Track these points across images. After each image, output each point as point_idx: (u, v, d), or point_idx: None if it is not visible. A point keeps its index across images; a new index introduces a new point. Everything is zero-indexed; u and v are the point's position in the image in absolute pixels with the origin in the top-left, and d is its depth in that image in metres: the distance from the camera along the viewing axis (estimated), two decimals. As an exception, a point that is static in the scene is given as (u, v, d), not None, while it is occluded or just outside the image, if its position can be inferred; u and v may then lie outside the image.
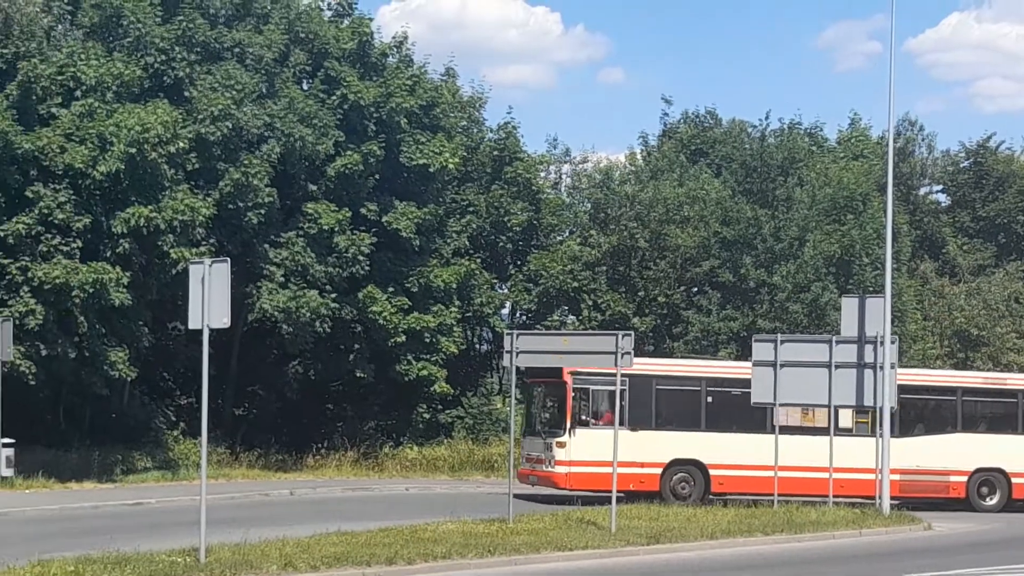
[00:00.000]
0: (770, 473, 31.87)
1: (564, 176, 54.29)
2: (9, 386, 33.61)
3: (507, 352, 27.44)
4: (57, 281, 34.02)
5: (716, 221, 48.38)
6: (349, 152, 42.29)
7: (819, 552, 25.73)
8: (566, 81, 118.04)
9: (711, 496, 34.60)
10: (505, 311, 50.04)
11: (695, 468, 34.80)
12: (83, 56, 37.14)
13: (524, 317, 50.16)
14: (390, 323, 42.38)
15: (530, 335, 29.93)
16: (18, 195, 34.59)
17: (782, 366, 31.45)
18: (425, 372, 43.64)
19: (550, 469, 34.27)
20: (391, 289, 43.20)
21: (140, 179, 35.98)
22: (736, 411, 35.34)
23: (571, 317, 49.44)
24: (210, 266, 20.57)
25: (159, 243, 36.06)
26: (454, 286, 44.88)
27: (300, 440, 44.14)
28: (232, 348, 42.28)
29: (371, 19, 45.59)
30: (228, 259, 21.12)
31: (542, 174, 51.82)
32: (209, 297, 20.42)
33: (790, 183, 49.90)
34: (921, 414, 37.29)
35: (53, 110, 36.04)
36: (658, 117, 57.95)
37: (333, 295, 41.47)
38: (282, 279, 40.60)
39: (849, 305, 32.59)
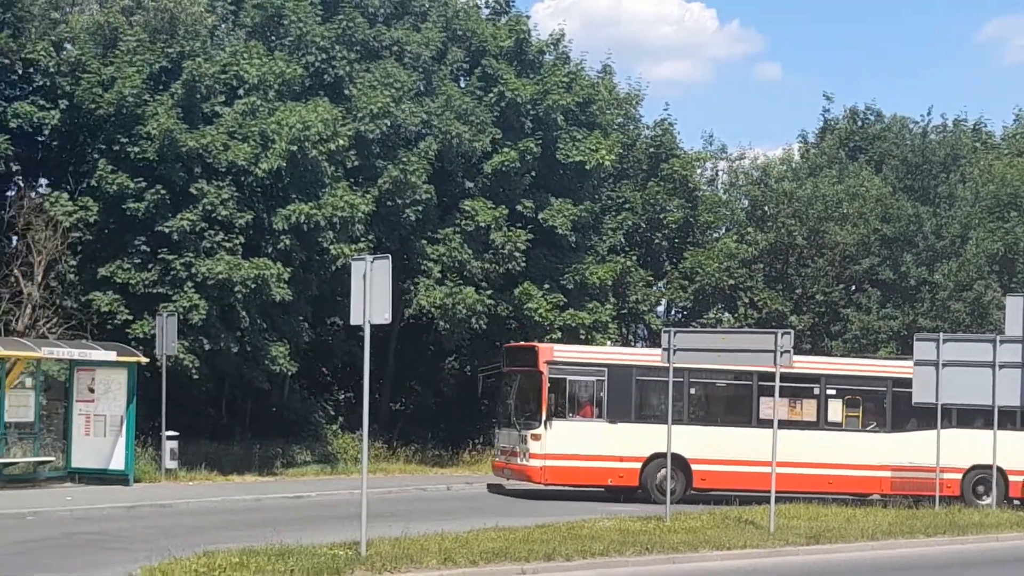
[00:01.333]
0: (755, 469, 31.42)
1: (720, 173, 53.93)
2: (173, 380, 34.29)
3: (664, 350, 27.34)
4: (220, 277, 34.59)
5: (876, 218, 47.76)
6: (506, 149, 42.44)
7: (983, 554, 25.27)
8: (722, 77, 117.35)
9: (692, 491, 33.57)
10: (661, 308, 49.90)
11: (677, 462, 32.69)
12: (246, 55, 37.73)
13: (680, 314, 49.95)
14: (546, 320, 42.41)
15: (688, 332, 29.76)
16: (183, 192, 35.19)
17: (944, 365, 31.00)
18: (580, 369, 43.56)
19: (524, 462, 33.24)
20: (547, 286, 43.24)
21: (301, 176, 36.48)
22: (719, 404, 35.10)
23: (727, 315, 49.15)
24: (372, 262, 20.72)
25: (319, 239, 36.50)
26: (609, 283, 44.80)
27: (456, 435, 44.39)
28: (389, 344, 42.66)
29: (528, 16, 45.80)
30: (389, 256, 21.28)
31: (698, 171, 51.54)
32: (370, 293, 20.58)
33: (952, 180, 49.05)
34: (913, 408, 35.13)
35: (217, 108, 36.61)
36: (817, 113, 57.44)
37: (489, 291, 41.65)
38: (439, 275, 40.88)
39: (1014, 304, 31.94)
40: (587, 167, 43.42)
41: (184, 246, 34.97)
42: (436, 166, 40.84)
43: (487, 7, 46.83)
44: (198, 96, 36.22)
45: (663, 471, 31.44)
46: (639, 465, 33.22)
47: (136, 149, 34.73)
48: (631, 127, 50.20)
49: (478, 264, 41.61)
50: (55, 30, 36.13)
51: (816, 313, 48.11)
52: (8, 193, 36.46)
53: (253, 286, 34.94)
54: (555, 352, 33.98)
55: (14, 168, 35.39)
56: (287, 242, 36.01)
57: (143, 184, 34.69)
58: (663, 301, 49.75)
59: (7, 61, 34.71)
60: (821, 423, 34.64)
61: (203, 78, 36.09)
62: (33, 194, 36.18)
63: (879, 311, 46.81)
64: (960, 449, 34.20)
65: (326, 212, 36.19)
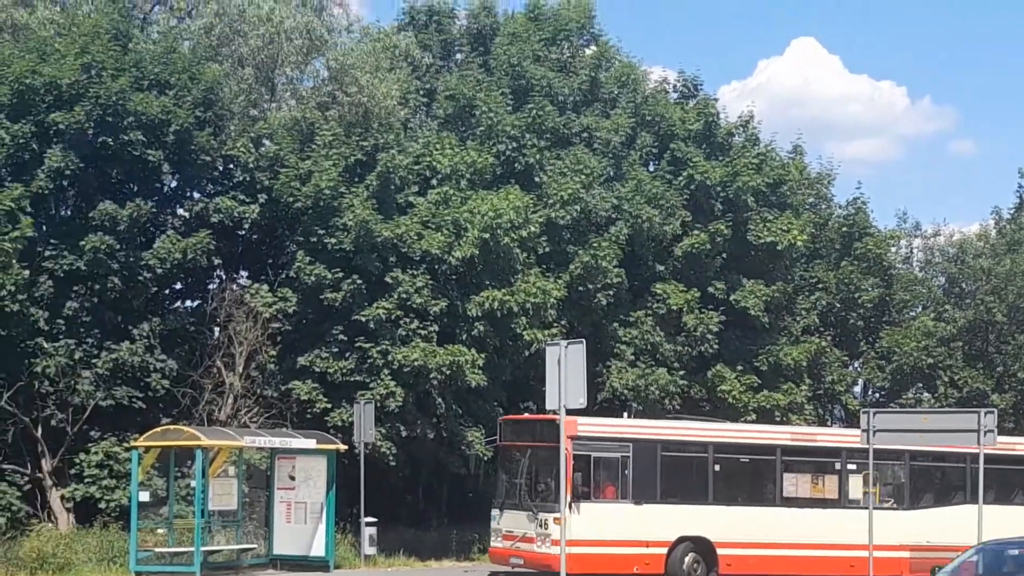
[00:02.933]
0: (780, 552, 30.91)
1: (915, 251, 53.10)
2: (371, 466, 34.71)
3: (863, 431, 26.96)
4: (416, 364, 35.02)
5: (1079, 293, 46.55)
6: (696, 232, 42.41)
7: None
8: (914, 154, 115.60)
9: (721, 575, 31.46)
10: (857, 389, 49.15)
11: (702, 546, 31.14)
12: (438, 146, 38.39)
13: (877, 395, 49.15)
14: (740, 401, 42.08)
15: (887, 413, 29.42)
16: (378, 281, 35.76)
17: None
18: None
19: (545, 550, 29.63)
20: (740, 367, 42.95)
21: (493, 263, 36.87)
22: (743, 480, 32.81)
23: (926, 394, 48.19)
24: (566, 347, 20.90)
25: (512, 325, 36.79)
26: (804, 364, 44.31)
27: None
28: (584, 428, 42.60)
29: (716, 99, 45.87)
30: (583, 341, 21.40)
31: (893, 249, 50.81)
32: (565, 378, 20.71)
33: None
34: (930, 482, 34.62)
35: (410, 199, 37.25)
36: (1012, 188, 56.23)
37: (682, 373, 41.51)
38: (631, 358, 40.88)
39: None
40: (779, 248, 43.17)
41: (380, 334, 35.48)
42: (627, 250, 40.93)
43: (675, 91, 47.07)
44: (392, 187, 36.89)
45: (690, 556, 30.76)
46: (664, 551, 30.84)
47: (333, 240, 35.44)
48: (823, 206, 49.81)
49: (670, 347, 41.53)
50: (254, 127, 37.15)
51: (1018, 391, 46.92)
52: (210, 286, 37.42)
53: (448, 372, 35.30)
54: (579, 427, 30.42)
55: (216, 262, 36.32)
56: (481, 328, 36.36)
57: (340, 274, 35.37)
58: (860, 381, 49.01)
59: (209, 158, 35.77)
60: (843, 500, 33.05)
61: (397, 169, 36.76)
62: (234, 286, 37.05)
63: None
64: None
65: (519, 298, 36.50)
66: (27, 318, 33.05)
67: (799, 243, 43.65)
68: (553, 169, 39.80)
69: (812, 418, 44.95)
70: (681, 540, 30.75)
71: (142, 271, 34.28)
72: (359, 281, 35.43)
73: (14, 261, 30.74)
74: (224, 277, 37.62)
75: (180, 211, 36.93)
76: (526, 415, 35.07)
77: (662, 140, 44.20)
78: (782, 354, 43.49)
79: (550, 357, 20.98)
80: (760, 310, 42.87)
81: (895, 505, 33.56)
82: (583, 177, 39.58)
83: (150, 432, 30.02)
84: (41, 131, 33.54)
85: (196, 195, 36.94)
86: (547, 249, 38.80)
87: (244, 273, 38.74)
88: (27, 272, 32.31)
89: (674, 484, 31.37)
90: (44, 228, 33.90)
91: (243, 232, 37.73)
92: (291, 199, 35.78)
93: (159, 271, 34.54)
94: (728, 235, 42.70)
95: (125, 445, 32.52)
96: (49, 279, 33.34)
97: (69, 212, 35.66)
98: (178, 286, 37.64)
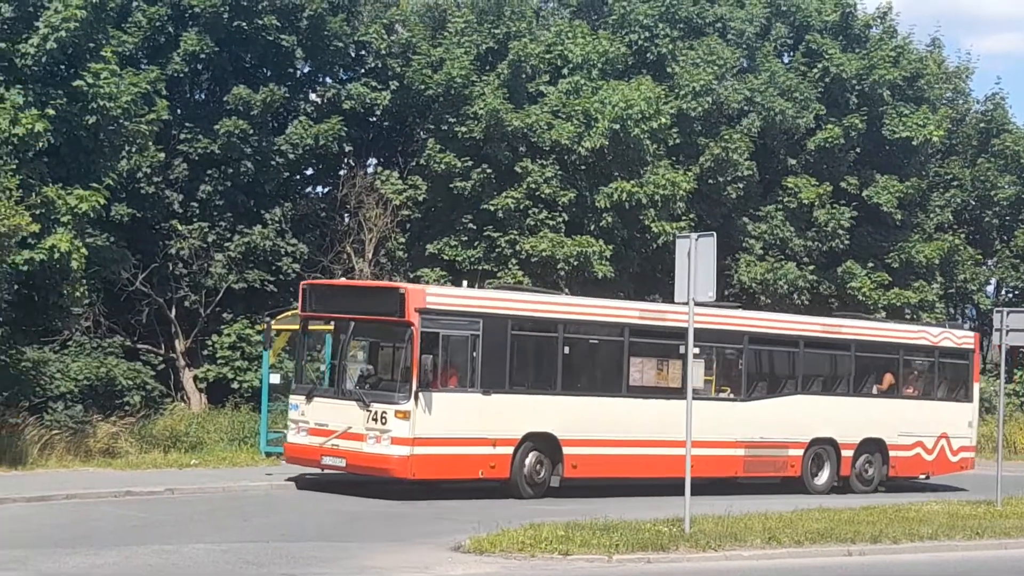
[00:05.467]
0: (625, 450, 26.43)
1: (1055, 149, 51.90)
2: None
3: (996, 330, 26.56)
4: (544, 254, 35.10)
5: None
6: (830, 126, 41.84)
7: None
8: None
9: (564, 480, 26.00)
10: (990, 288, 48.45)
11: (548, 444, 25.73)
12: (570, 35, 38.15)
13: (1011, 294, 48.42)
14: (869, 299, 41.65)
15: (1021, 313, 28.53)
16: (507, 171, 35.80)
17: None
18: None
19: (379, 449, 24.00)
20: (871, 264, 42.52)
21: (623, 154, 36.68)
22: (592, 366, 27.47)
23: (1063, 295, 47.45)
24: (696, 240, 20.72)
25: (640, 217, 36.67)
26: (936, 262, 43.74)
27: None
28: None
29: (853, -11, 44.98)
30: (714, 233, 21.23)
31: (1031, 146, 49.73)
32: (695, 271, 20.58)
33: None
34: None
35: (541, 88, 37.15)
36: None
37: (811, 268, 41.17)
38: (760, 252, 40.63)
39: None
40: (914, 143, 42.48)
41: (509, 223, 35.59)
42: (758, 143, 40.54)
43: (811, -19, 46.20)
44: (523, 76, 36.81)
45: (532, 457, 25.46)
46: (511, 450, 25.27)
47: (463, 129, 35.48)
48: (960, 102, 48.81)
49: (800, 242, 41.19)
50: (386, 13, 37.18)
51: None
52: (341, 172, 37.69)
53: (576, 263, 35.32)
54: (428, 298, 24.64)
55: (347, 148, 36.53)
56: (609, 220, 36.29)
57: (469, 163, 35.45)
58: (993, 281, 48.30)
59: (341, 44, 35.84)
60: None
61: (528, 58, 36.64)
62: (364, 173, 37.33)
63: None
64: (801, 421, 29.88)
65: (648, 190, 36.33)
66: (162, 200, 33.65)
67: (935, 138, 42.89)
68: (685, 60, 39.39)
69: (943, 316, 44.35)
70: (528, 437, 25.49)
71: (274, 156, 34.62)
72: (488, 170, 35.49)
73: (150, 144, 31.13)
74: (354, 164, 37.88)
75: (312, 97, 37.11)
76: (368, 283, 30.72)
77: (797, 31, 43.55)
78: (914, 251, 42.99)
79: (680, 249, 20.79)
80: (893, 206, 42.31)
81: (732, 395, 29.09)
82: (716, 68, 39.16)
83: (282, 315, 30.48)
84: (177, 14, 33.87)
85: (328, 81, 37.09)
86: (677, 141, 38.51)
87: (374, 160, 39.02)
88: (162, 155, 32.76)
89: (523, 370, 26.21)
90: (179, 111, 34.32)
91: (374, 119, 37.87)
92: (422, 86, 35.81)
93: (291, 156, 34.87)
94: (862, 129, 42.10)
95: (257, 327, 33.02)
96: (183, 162, 33.81)
97: (203, 96, 36.10)
98: (309, 172, 37.99)
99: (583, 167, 36.77)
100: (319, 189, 38.66)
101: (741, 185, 39.73)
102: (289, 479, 25.85)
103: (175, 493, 23.79)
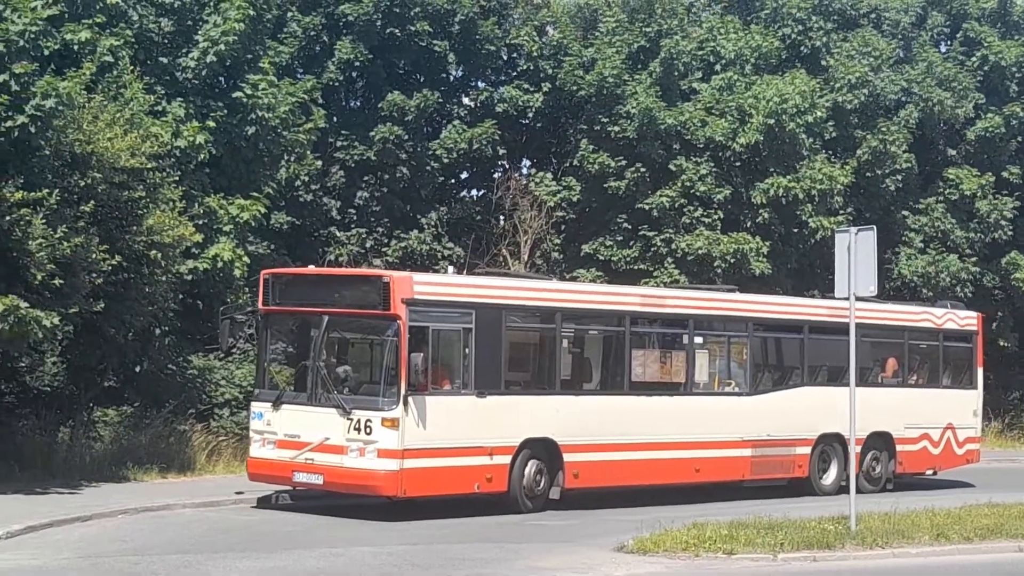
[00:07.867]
0: (630, 455, 23.55)
1: None
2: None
3: None
4: (700, 252, 34.94)
5: None
6: (990, 115, 41.07)
7: None
8: None
9: (565, 491, 22.83)
10: None
11: (548, 452, 22.61)
12: (722, 30, 37.96)
13: None
14: (1034, 290, 40.84)
15: None
16: (662, 169, 35.72)
17: None
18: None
19: (362, 464, 20.72)
20: (1035, 255, 41.65)
21: (778, 149, 36.36)
22: (593, 360, 24.58)
23: None
24: (856, 234, 20.45)
25: (797, 212, 36.31)
26: (1107, 254, 42.69)
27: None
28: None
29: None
30: (874, 227, 20.97)
31: None
32: (855, 265, 20.32)
33: None
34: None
35: (694, 85, 37.03)
36: None
37: (974, 260, 40.42)
38: (920, 245, 40.00)
39: None
40: (1079, 131, 41.55)
41: (664, 222, 35.50)
42: (916, 134, 39.93)
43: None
44: (676, 73, 36.70)
45: (531, 466, 22.35)
46: (509, 459, 22.05)
47: (616, 128, 35.46)
48: None
49: (962, 233, 40.46)
50: (537, 15, 37.33)
51: None
52: (495, 175, 37.91)
53: (732, 260, 35.09)
54: (416, 287, 21.31)
55: (500, 151, 36.71)
56: (765, 216, 36.00)
57: (623, 162, 35.41)
58: None
59: (493, 48, 36.05)
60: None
61: (681, 55, 36.53)
62: (518, 176, 37.49)
63: None
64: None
65: (804, 185, 35.97)
66: (320, 207, 34.12)
67: (1102, 126, 41.90)
68: (840, 52, 38.96)
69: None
70: (526, 444, 22.36)
71: (429, 161, 34.94)
72: (642, 169, 35.42)
73: (308, 152, 31.61)
74: (508, 166, 38.06)
75: (465, 101, 37.40)
76: (318, 268, 27.58)
77: (954, 20, 42.82)
78: (1082, 243, 42.02)
79: (839, 244, 20.53)
80: (1057, 196, 41.43)
81: (737, 390, 26.28)
82: (871, 59, 38.67)
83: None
84: (331, 23, 34.37)
85: (481, 84, 37.35)
86: (833, 134, 38.09)
87: (528, 162, 39.19)
88: (320, 163, 33.23)
89: (520, 368, 23.46)
90: (335, 119, 34.76)
91: (527, 121, 38.05)
92: (574, 87, 35.87)
93: (446, 160, 35.18)
94: (1024, 118, 41.31)
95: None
96: (340, 169, 34.28)
97: (358, 103, 36.56)
98: (464, 175, 38.30)
99: (738, 163, 36.53)
100: (474, 192, 38.99)
101: (900, 177, 39.17)
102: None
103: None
